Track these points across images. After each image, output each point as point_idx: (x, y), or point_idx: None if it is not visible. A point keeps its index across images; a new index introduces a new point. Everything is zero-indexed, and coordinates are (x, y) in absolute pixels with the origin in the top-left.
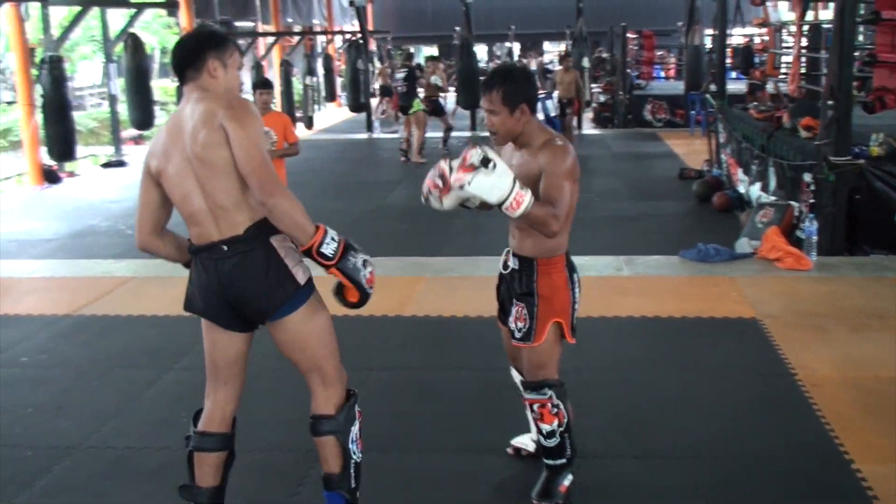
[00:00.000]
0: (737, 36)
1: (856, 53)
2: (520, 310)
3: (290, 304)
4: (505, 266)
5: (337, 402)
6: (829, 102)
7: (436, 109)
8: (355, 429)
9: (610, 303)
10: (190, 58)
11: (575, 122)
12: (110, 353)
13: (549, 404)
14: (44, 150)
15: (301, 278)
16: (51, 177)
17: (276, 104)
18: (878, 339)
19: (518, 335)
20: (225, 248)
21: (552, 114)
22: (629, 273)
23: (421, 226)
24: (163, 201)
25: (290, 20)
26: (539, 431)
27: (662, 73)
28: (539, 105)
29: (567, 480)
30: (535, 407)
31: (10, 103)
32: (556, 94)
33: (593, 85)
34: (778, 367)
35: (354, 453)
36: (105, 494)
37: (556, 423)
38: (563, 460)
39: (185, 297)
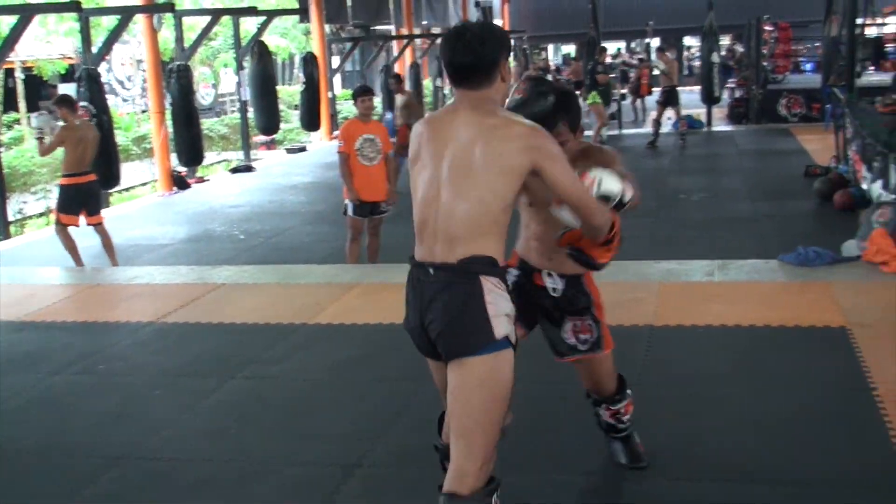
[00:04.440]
0: (872, 26)
1: None
2: (581, 323)
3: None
4: (547, 290)
5: (473, 483)
6: None
7: None
8: None
9: (692, 311)
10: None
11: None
12: (181, 361)
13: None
14: (174, 156)
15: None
16: (180, 182)
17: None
18: None
19: (584, 347)
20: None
21: None
22: (720, 279)
23: None
24: None
25: (425, 22)
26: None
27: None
28: None
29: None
30: (622, 408)
31: (144, 112)
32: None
33: (730, 80)
34: (857, 381)
35: None
36: None
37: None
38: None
39: None
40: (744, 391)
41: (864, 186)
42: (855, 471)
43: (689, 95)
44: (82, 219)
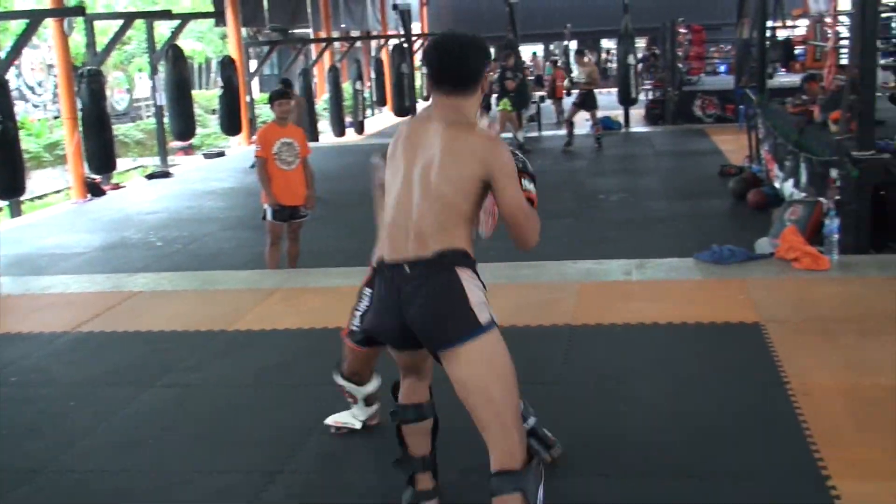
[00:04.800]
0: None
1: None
2: None
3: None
4: None
5: (521, 457)
6: (852, 96)
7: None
8: (542, 491)
9: (611, 309)
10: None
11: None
12: (97, 371)
13: None
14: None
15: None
16: (94, 189)
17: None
18: (886, 343)
19: None
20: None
21: None
22: (638, 277)
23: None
24: None
25: (343, 25)
26: None
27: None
28: None
29: None
30: None
31: (56, 118)
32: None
33: (646, 83)
34: (770, 376)
35: None
36: None
37: None
38: None
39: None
40: (662, 388)
41: (777, 185)
42: (770, 462)
43: (607, 97)
44: None
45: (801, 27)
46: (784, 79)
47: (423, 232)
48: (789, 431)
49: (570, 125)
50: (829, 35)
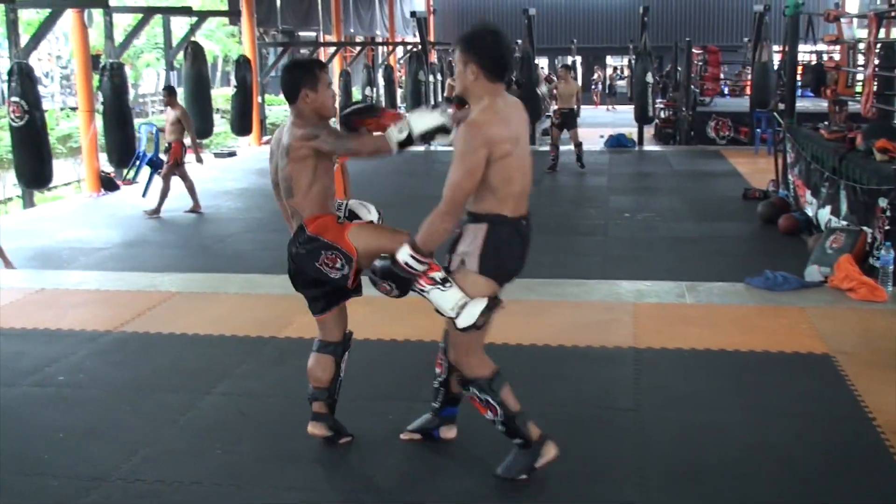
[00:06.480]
0: (805, 53)
1: None
2: None
3: None
4: None
5: None
6: None
7: None
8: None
9: (672, 333)
10: None
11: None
12: (147, 374)
13: None
14: (102, 156)
15: None
16: (108, 184)
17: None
18: None
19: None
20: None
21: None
22: (692, 300)
23: None
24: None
25: (352, 30)
26: None
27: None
28: None
29: None
30: None
31: (73, 109)
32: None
33: (658, 101)
34: (854, 411)
35: None
36: None
37: None
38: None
39: (504, 266)
40: (741, 417)
41: (810, 212)
42: (869, 499)
43: (621, 115)
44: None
45: (825, 53)
46: (807, 103)
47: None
48: (886, 468)
49: (555, 148)
50: (863, 62)
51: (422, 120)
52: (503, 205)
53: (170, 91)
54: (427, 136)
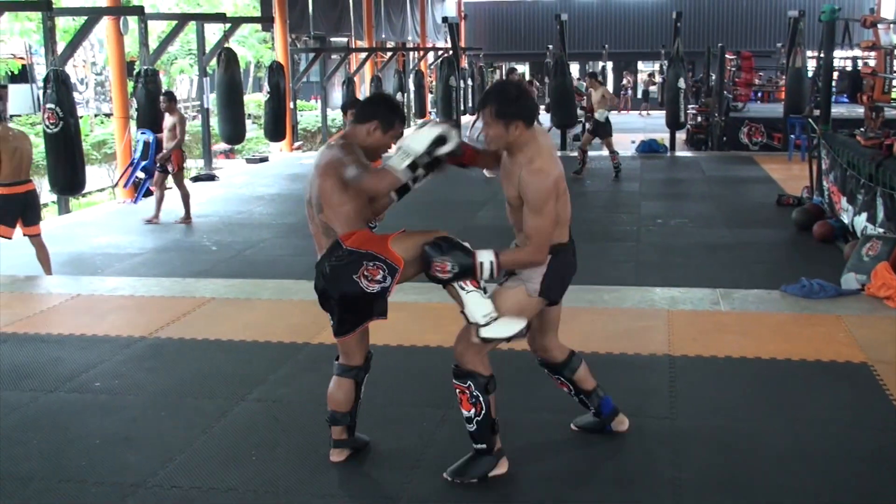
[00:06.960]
0: (841, 58)
1: None
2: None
3: None
4: None
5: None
6: None
7: None
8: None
9: (707, 340)
10: None
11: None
12: (182, 380)
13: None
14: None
15: None
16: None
17: None
18: None
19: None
20: None
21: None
22: (727, 308)
23: None
24: None
25: (383, 36)
26: None
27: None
28: None
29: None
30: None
31: (108, 115)
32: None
33: (690, 106)
34: (893, 420)
35: None
36: None
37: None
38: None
39: (563, 288)
40: (779, 426)
41: (845, 219)
42: None
43: (653, 120)
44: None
45: (860, 59)
46: (841, 109)
47: None
48: None
49: (584, 153)
50: None
51: (416, 140)
52: (561, 232)
53: (169, 97)
54: (431, 154)
